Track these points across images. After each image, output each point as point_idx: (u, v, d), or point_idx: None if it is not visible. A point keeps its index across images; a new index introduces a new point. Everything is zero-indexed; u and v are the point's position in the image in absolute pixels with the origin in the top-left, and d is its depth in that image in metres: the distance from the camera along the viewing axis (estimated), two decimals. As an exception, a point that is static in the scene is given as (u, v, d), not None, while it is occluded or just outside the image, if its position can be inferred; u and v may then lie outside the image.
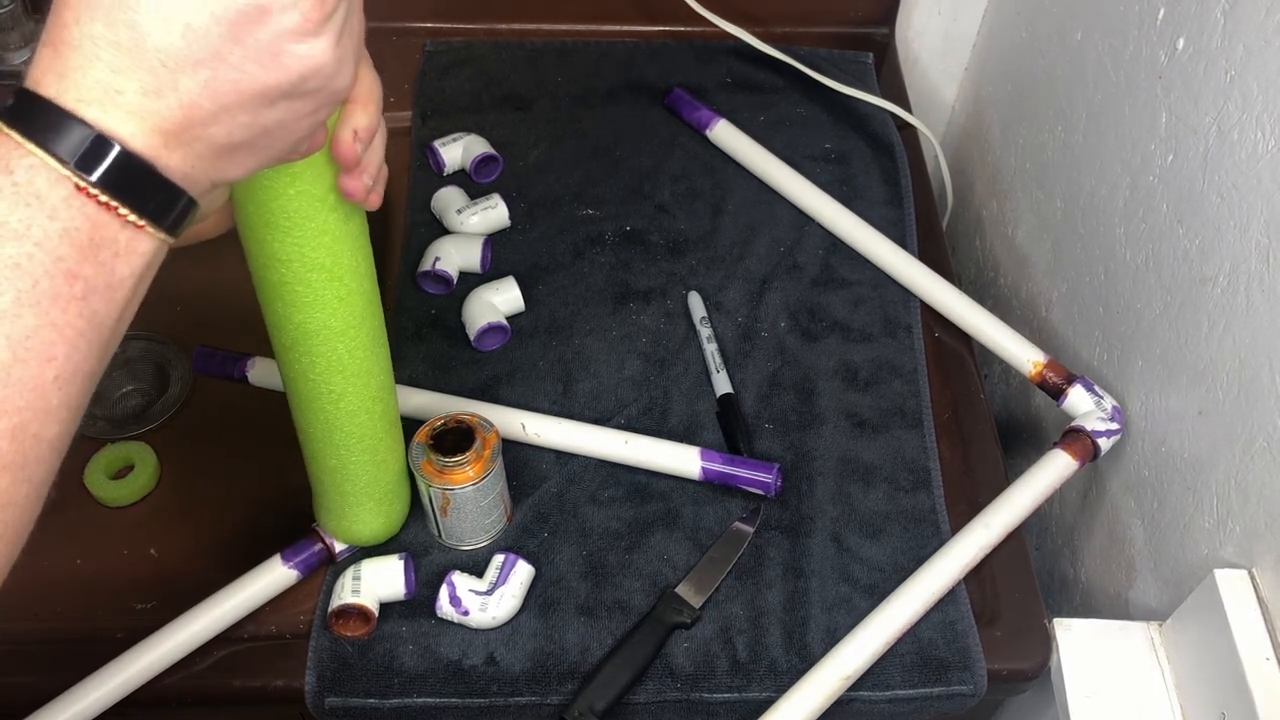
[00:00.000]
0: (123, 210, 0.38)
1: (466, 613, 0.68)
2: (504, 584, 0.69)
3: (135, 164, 0.38)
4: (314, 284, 0.56)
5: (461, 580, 0.69)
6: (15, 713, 0.64)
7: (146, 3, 0.37)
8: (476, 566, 0.72)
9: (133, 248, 0.39)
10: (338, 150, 0.49)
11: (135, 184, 0.38)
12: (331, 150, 0.49)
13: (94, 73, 0.37)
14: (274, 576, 0.69)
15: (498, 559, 0.71)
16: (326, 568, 0.72)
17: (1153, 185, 0.74)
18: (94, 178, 0.37)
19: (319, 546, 0.70)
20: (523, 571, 0.70)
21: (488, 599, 0.69)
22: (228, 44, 0.38)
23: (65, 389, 0.39)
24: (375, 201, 0.53)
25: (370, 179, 0.51)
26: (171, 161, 0.39)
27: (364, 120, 0.49)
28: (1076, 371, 0.82)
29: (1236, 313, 0.65)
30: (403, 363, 0.82)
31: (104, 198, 0.38)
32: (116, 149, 0.38)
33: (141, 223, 0.39)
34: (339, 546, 0.71)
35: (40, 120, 0.37)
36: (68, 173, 0.37)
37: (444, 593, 0.69)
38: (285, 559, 0.70)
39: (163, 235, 0.40)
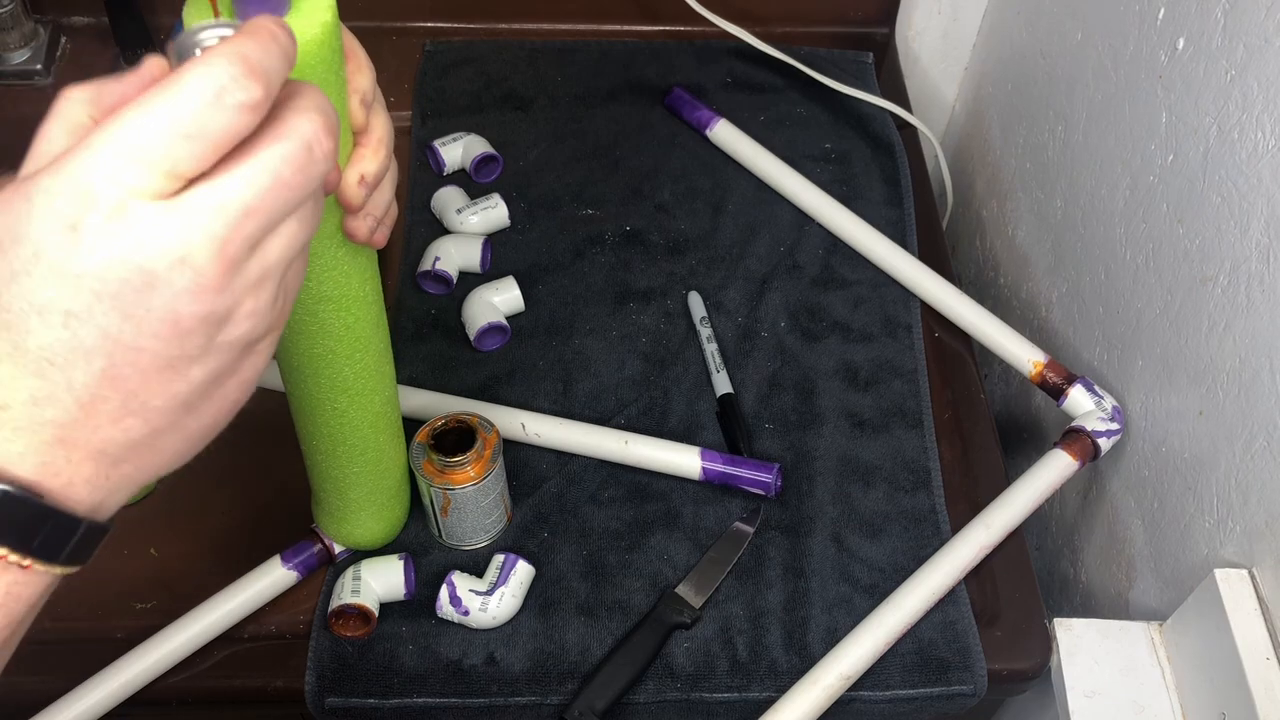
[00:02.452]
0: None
1: (466, 613, 0.68)
2: (504, 584, 0.69)
3: (14, 497, 0.33)
4: (321, 315, 0.56)
5: (461, 580, 0.69)
6: (16, 713, 0.64)
7: (15, 300, 0.32)
8: (476, 566, 0.72)
9: (15, 594, 0.35)
10: (342, 195, 0.48)
11: (16, 519, 0.33)
12: (337, 194, 0.48)
13: (47, 429, 0.33)
14: (274, 577, 0.69)
15: (498, 559, 0.71)
16: (326, 568, 0.72)
17: (1153, 185, 0.74)
18: None
19: (318, 547, 0.70)
20: (523, 571, 0.70)
21: (488, 599, 0.69)
22: (117, 321, 0.33)
23: None
24: (380, 241, 0.52)
25: (375, 221, 0.51)
26: (77, 476, 0.34)
27: (372, 166, 0.48)
28: (1076, 371, 0.82)
29: (1237, 312, 0.65)
30: (403, 363, 0.82)
31: None
32: None
33: (26, 562, 0.34)
34: (338, 547, 0.71)
35: None
36: None
37: (444, 593, 0.69)
38: (285, 560, 0.70)
39: (59, 570, 0.35)
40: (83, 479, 0.35)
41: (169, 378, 0.35)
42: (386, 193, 0.51)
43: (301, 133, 0.35)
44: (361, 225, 0.50)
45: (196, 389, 0.36)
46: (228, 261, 0.34)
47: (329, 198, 0.49)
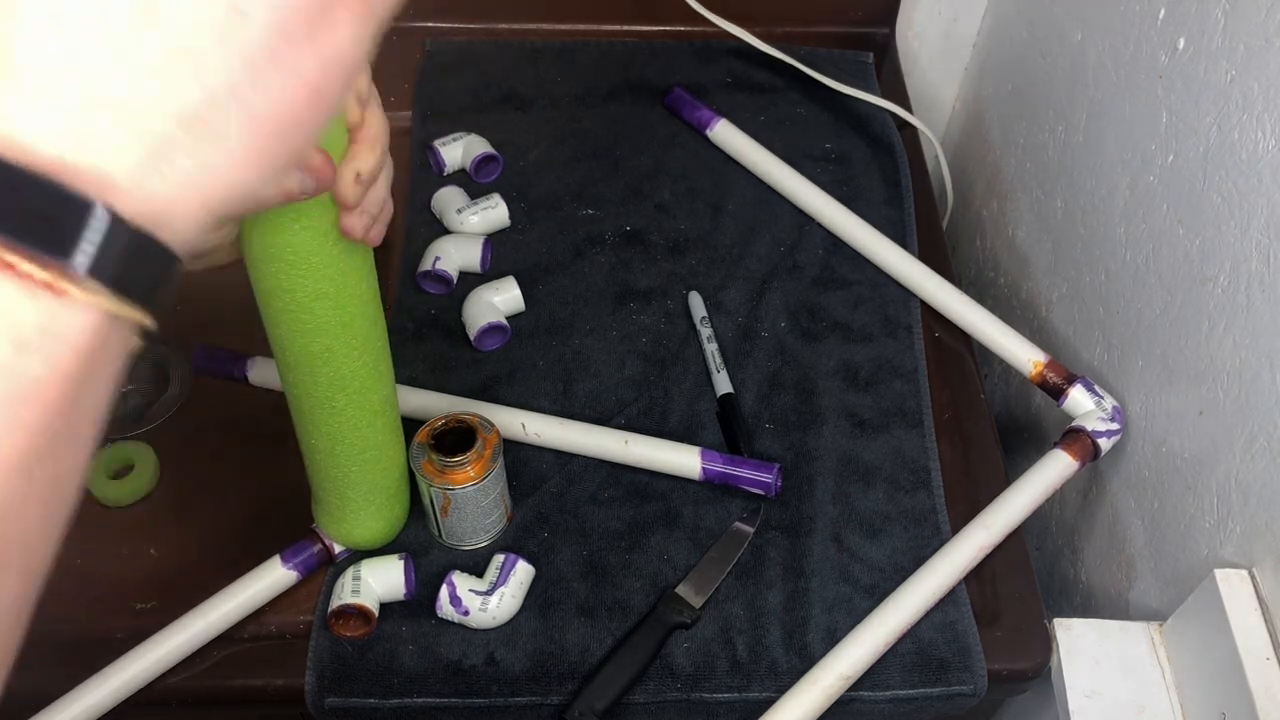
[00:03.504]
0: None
1: (466, 613, 0.68)
2: (504, 584, 0.69)
3: (23, 176, 0.25)
4: (318, 312, 0.56)
5: (461, 580, 0.69)
6: (17, 713, 0.64)
7: None
8: (476, 567, 0.72)
9: (62, 338, 0.25)
10: (338, 191, 0.48)
11: (28, 208, 0.25)
12: (333, 191, 0.48)
13: (71, 85, 0.25)
14: (273, 577, 0.69)
15: (498, 559, 0.71)
16: (326, 568, 0.72)
17: (1153, 185, 0.74)
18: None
19: (318, 547, 0.70)
20: (523, 571, 0.70)
21: (488, 599, 0.69)
22: None
23: None
24: (375, 239, 0.52)
25: (371, 219, 0.50)
26: (117, 161, 0.26)
27: (368, 163, 0.48)
28: (1076, 371, 0.82)
29: (1237, 313, 0.65)
30: (403, 363, 0.82)
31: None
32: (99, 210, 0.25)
33: (58, 282, 0.25)
34: (338, 547, 0.71)
35: None
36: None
37: (444, 593, 0.69)
38: (285, 560, 0.70)
39: (112, 303, 0.26)
40: (124, 166, 0.26)
41: (223, 13, 0.27)
42: (382, 190, 0.51)
43: None
44: (357, 222, 0.50)
45: (258, 38, 0.28)
46: None
47: (325, 195, 0.50)
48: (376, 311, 0.60)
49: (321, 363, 0.59)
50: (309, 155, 0.40)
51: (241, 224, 0.52)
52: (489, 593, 0.69)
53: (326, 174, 0.43)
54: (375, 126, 0.48)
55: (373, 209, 0.51)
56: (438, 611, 0.69)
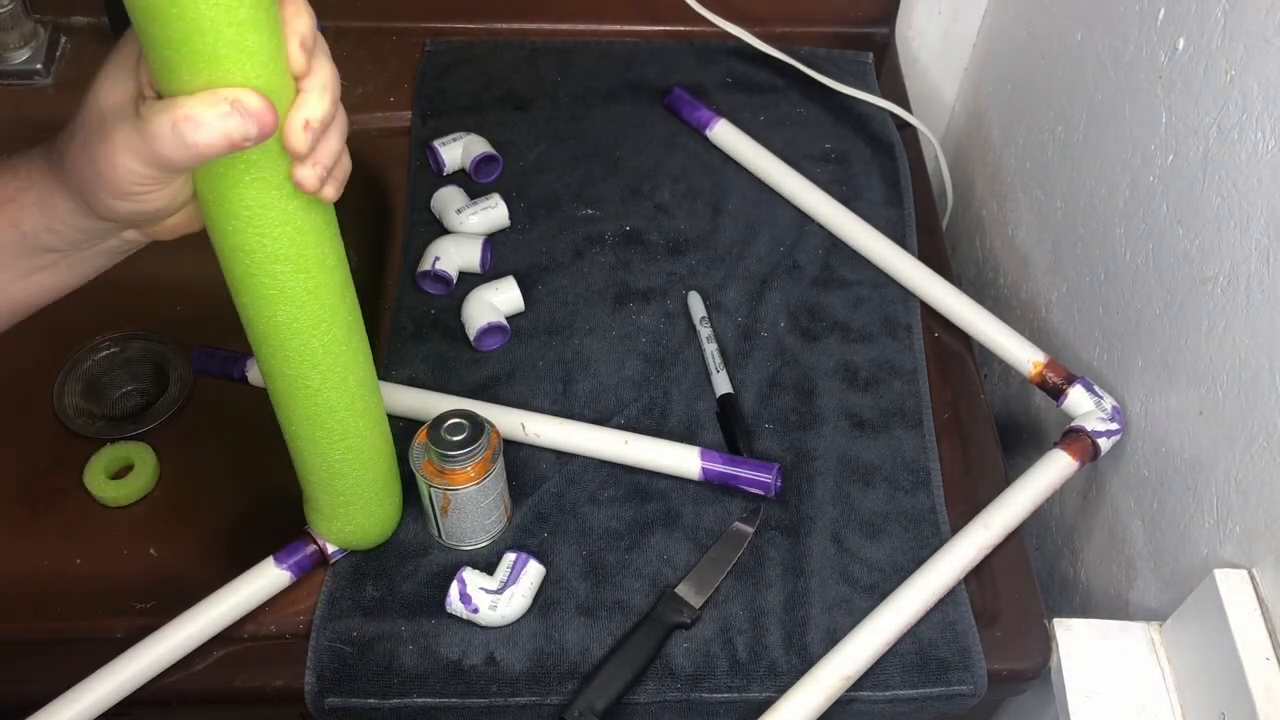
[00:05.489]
0: None
1: (476, 610, 0.68)
2: (515, 583, 0.69)
3: None
4: (279, 276, 0.54)
5: (472, 577, 0.69)
6: (17, 713, 0.64)
7: None
8: (480, 566, 0.72)
9: None
10: (286, 138, 0.47)
11: None
12: (282, 139, 0.47)
13: None
14: (268, 578, 0.69)
15: (509, 558, 0.71)
16: (324, 568, 0.72)
17: (1153, 185, 0.75)
18: None
19: (311, 548, 0.70)
20: (533, 571, 0.70)
21: (498, 598, 0.69)
22: None
23: None
24: (330, 195, 0.51)
25: (325, 170, 0.50)
26: None
27: (317, 110, 0.47)
28: (1076, 371, 0.82)
29: (1237, 313, 0.65)
30: (403, 363, 0.82)
31: None
32: None
33: None
34: (331, 548, 0.71)
35: None
36: None
37: (454, 589, 0.69)
38: (278, 560, 0.69)
39: None
40: None
41: None
42: (334, 142, 0.50)
43: None
44: (310, 174, 0.49)
45: None
46: None
47: (275, 146, 0.48)
48: (345, 283, 0.58)
49: (289, 334, 0.57)
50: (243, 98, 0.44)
51: (195, 181, 0.50)
52: (499, 591, 0.69)
53: (267, 119, 0.44)
54: (324, 75, 0.47)
55: (326, 160, 0.49)
56: (447, 607, 0.69)
